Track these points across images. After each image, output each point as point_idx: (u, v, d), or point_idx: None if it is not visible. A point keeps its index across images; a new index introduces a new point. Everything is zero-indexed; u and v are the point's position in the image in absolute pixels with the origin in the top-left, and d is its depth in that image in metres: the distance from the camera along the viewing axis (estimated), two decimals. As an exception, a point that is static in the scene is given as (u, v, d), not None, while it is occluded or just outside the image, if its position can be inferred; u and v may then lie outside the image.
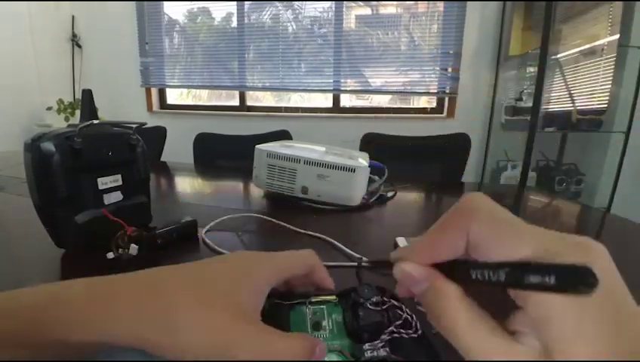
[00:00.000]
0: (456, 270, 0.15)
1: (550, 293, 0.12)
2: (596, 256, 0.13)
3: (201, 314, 0.18)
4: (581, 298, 0.12)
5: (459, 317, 0.14)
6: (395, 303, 0.25)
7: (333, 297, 0.25)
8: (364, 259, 0.25)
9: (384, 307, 0.24)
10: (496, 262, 0.13)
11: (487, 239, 0.14)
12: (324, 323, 0.23)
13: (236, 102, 2.61)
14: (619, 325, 0.12)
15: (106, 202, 0.44)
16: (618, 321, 0.12)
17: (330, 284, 0.25)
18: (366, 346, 0.22)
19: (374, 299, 0.24)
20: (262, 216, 0.57)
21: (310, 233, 0.50)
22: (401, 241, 0.45)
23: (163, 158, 1.36)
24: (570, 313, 0.12)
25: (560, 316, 0.12)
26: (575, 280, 0.11)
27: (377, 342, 0.22)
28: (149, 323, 0.17)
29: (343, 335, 0.23)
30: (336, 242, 0.46)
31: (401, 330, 0.23)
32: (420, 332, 0.23)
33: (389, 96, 2.46)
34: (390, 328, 0.23)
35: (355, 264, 0.25)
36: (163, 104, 2.74)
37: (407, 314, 0.24)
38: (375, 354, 0.21)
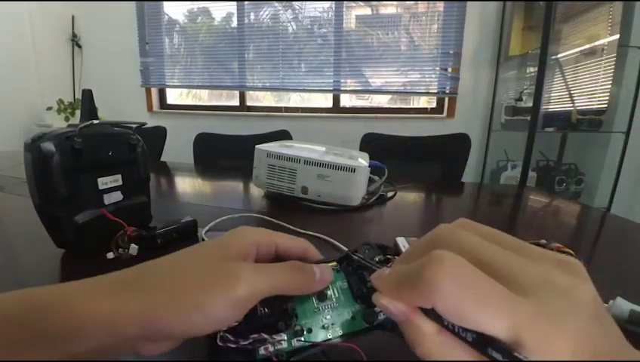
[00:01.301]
0: (430, 312, 0.15)
1: None
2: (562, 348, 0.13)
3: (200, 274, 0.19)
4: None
5: (433, 353, 0.15)
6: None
7: (334, 263, 0.23)
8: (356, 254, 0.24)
9: (388, 265, 0.22)
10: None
11: (452, 315, 0.14)
12: (329, 292, 0.22)
13: (236, 102, 2.61)
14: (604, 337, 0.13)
15: (106, 202, 0.44)
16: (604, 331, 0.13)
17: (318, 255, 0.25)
18: (377, 308, 0.20)
19: (377, 259, 0.23)
20: (262, 216, 0.57)
21: (310, 233, 0.50)
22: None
23: (163, 158, 1.36)
24: None
25: None
26: None
27: None
28: (157, 301, 0.18)
29: (351, 302, 0.21)
30: (336, 242, 0.46)
31: None
32: None
33: (388, 96, 2.46)
34: None
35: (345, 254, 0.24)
36: (163, 104, 2.74)
37: None
38: None
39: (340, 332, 0.20)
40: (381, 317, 0.20)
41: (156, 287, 0.18)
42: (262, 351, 0.19)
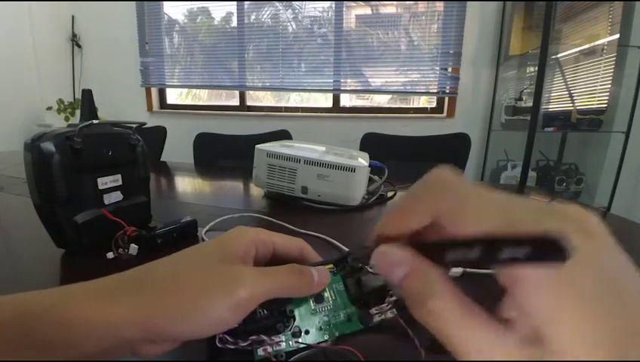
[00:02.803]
0: (432, 250, 0.14)
1: (524, 266, 0.11)
2: (574, 223, 0.12)
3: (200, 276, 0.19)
4: (563, 276, 0.11)
5: (448, 300, 0.13)
6: None
7: (330, 266, 0.23)
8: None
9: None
10: (471, 239, 0.13)
11: (453, 214, 0.14)
12: (326, 294, 0.22)
13: (236, 102, 2.61)
14: (609, 299, 0.11)
15: (106, 202, 0.44)
16: (609, 294, 0.11)
17: (319, 258, 0.25)
18: (373, 310, 0.21)
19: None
20: (262, 216, 0.57)
21: (310, 233, 0.50)
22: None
23: (163, 158, 1.36)
24: (553, 294, 0.11)
25: (543, 298, 0.12)
26: (545, 250, 0.11)
27: (384, 304, 0.21)
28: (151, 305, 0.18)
29: (347, 304, 0.22)
30: (336, 242, 0.46)
31: None
32: None
33: (388, 96, 2.46)
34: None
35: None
36: (163, 104, 2.74)
37: None
38: (384, 316, 0.21)
39: (336, 334, 0.21)
40: (377, 319, 0.21)
41: (157, 290, 0.18)
42: (260, 351, 0.19)
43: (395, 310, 0.21)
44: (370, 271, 0.22)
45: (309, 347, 0.20)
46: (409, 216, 0.15)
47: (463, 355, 0.13)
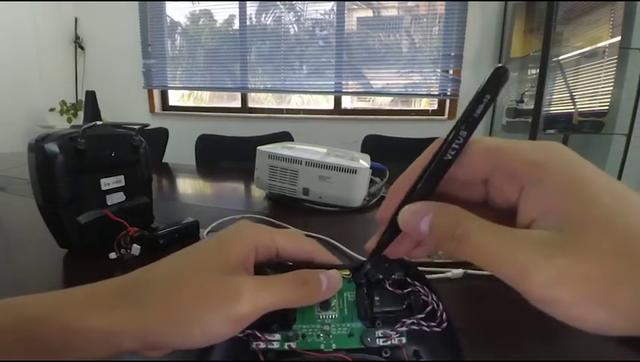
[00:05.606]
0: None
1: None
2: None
3: (199, 280, 0.19)
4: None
5: (476, 222, 0.15)
6: (420, 289, 0.21)
7: (347, 272, 0.22)
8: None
9: (405, 291, 0.21)
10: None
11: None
12: (334, 302, 0.20)
13: (238, 104, 2.62)
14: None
15: (109, 203, 0.44)
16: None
17: (335, 260, 0.23)
18: (378, 333, 0.19)
19: (396, 276, 0.21)
20: (263, 218, 0.57)
21: (312, 234, 0.50)
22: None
23: (165, 160, 1.36)
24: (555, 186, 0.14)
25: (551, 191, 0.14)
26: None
27: (392, 332, 0.19)
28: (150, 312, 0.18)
29: (354, 317, 0.20)
30: (337, 243, 0.46)
31: (422, 322, 0.20)
32: (444, 325, 0.19)
33: (390, 98, 2.47)
34: (410, 321, 0.20)
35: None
36: (165, 105, 2.75)
37: (434, 301, 0.20)
38: (389, 342, 0.19)
39: (333, 347, 0.20)
40: (379, 342, 0.19)
41: (156, 301, 0.18)
42: (253, 346, 0.19)
43: (403, 340, 0.19)
44: (390, 288, 0.21)
45: (299, 353, 0.19)
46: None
47: (503, 269, 0.14)
